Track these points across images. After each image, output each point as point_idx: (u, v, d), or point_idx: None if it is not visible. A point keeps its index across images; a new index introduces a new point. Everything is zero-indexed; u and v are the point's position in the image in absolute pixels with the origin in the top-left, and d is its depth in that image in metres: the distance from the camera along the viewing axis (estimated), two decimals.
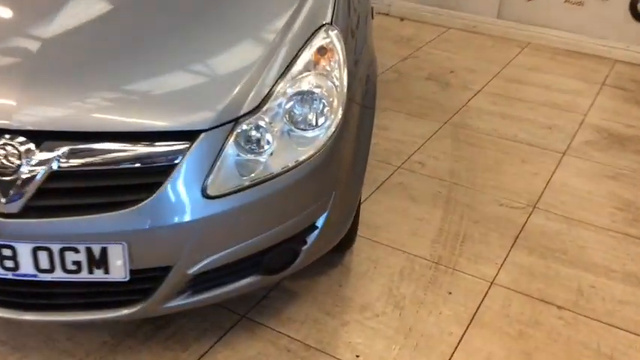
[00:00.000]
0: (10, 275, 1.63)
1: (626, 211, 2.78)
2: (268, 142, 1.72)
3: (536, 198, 2.85)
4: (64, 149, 1.57)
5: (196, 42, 1.83)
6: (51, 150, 1.57)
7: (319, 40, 1.88)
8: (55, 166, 1.56)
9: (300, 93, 1.78)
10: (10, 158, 1.56)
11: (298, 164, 1.74)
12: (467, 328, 2.11)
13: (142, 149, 1.60)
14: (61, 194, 1.59)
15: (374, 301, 2.20)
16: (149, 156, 1.60)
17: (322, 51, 1.86)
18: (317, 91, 1.79)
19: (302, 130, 1.77)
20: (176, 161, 1.60)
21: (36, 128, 1.58)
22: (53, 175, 1.56)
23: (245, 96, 1.69)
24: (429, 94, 3.83)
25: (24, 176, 1.56)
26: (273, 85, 1.74)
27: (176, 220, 1.61)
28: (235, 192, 1.67)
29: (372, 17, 2.51)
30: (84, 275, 1.64)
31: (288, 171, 1.73)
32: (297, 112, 1.77)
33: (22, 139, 1.57)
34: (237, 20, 1.93)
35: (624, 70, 4.38)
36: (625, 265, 2.45)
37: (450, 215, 2.69)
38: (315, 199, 1.84)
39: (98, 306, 1.72)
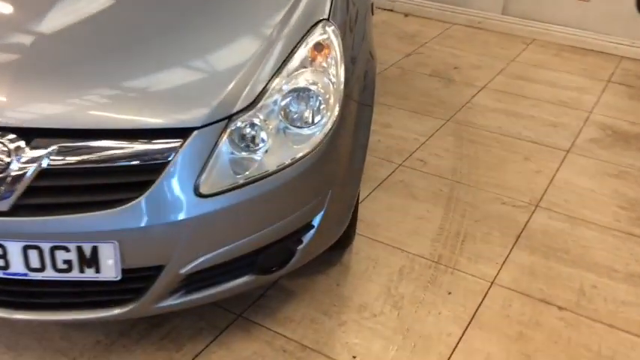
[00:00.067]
0: (0, 274, 1.61)
1: (630, 210, 2.74)
2: (263, 140, 1.69)
3: (539, 196, 2.81)
4: (55, 147, 1.54)
5: (189, 38, 1.80)
6: (41, 147, 1.54)
7: (316, 36, 1.84)
8: (45, 163, 1.53)
9: (296, 90, 1.75)
10: None
11: (294, 162, 1.71)
12: (466, 329, 2.08)
13: (133, 147, 1.57)
14: (52, 192, 1.56)
15: (372, 301, 2.17)
16: (140, 154, 1.57)
17: (319, 47, 1.83)
18: (313, 88, 1.76)
19: (298, 127, 1.74)
20: (168, 159, 1.57)
21: (26, 125, 1.56)
22: (43, 173, 1.54)
23: (239, 93, 1.66)
24: (432, 91, 3.80)
25: (14, 174, 1.53)
26: (268, 82, 1.71)
27: (168, 219, 1.58)
28: (229, 190, 1.64)
29: (373, 13, 2.47)
30: (75, 274, 1.62)
31: (283, 169, 1.70)
32: (292, 110, 1.74)
33: (12, 136, 1.55)
34: (232, 16, 1.90)
35: (630, 66, 4.33)
36: (628, 265, 2.41)
37: (451, 214, 2.66)
38: (311, 198, 1.81)
39: (90, 305, 1.70)
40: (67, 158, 1.55)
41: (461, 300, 2.20)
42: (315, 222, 1.85)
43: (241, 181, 1.65)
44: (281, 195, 1.72)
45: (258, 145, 1.69)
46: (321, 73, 1.80)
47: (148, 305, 1.70)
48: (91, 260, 1.60)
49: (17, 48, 1.72)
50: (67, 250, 1.58)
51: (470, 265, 2.37)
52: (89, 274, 1.62)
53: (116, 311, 1.69)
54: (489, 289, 2.26)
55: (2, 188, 1.53)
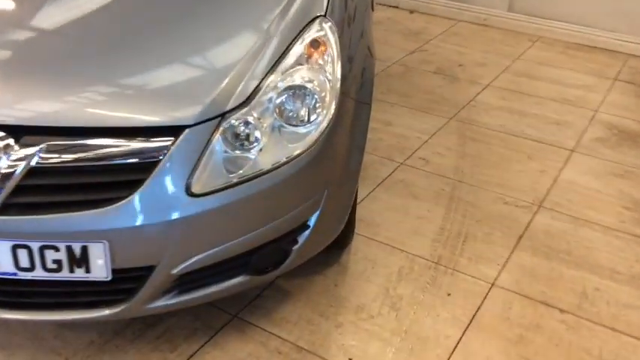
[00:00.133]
0: None
1: (635, 211, 2.70)
2: (257, 138, 1.66)
3: (543, 196, 2.77)
4: (44, 145, 1.52)
5: (182, 34, 1.77)
6: (30, 145, 1.52)
7: (312, 33, 1.81)
8: (34, 162, 1.51)
9: (292, 87, 1.72)
10: None
11: (289, 161, 1.68)
12: (465, 332, 2.04)
13: (123, 145, 1.54)
14: (41, 191, 1.54)
15: (370, 302, 2.14)
16: (131, 152, 1.54)
17: (315, 44, 1.80)
18: (309, 85, 1.73)
19: (293, 125, 1.71)
20: (159, 158, 1.55)
21: (15, 123, 1.53)
22: (32, 171, 1.52)
23: (232, 90, 1.63)
24: (435, 89, 3.76)
25: (2, 172, 1.51)
26: (262, 79, 1.68)
27: (158, 218, 1.55)
28: (222, 190, 1.61)
29: (373, 9, 2.44)
30: (65, 274, 1.59)
31: (278, 168, 1.67)
32: (288, 108, 1.71)
33: (1, 134, 1.52)
34: (227, 11, 1.87)
35: (637, 64, 4.27)
36: (632, 268, 2.37)
37: (453, 214, 2.62)
38: (306, 197, 1.78)
39: (80, 305, 1.68)
40: (57, 156, 1.52)
41: (460, 302, 2.16)
42: (311, 222, 1.82)
43: (235, 180, 1.62)
44: (275, 194, 1.69)
45: (252, 143, 1.66)
46: (318, 71, 1.77)
47: (139, 306, 1.68)
48: (80, 260, 1.57)
49: (6, 45, 1.69)
50: (56, 249, 1.56)
51: (470, 266, 2.33)
52: (79, 274, 1.59)
53: (107, 312, 1.66)
54: (489, 290, 2.22)
55: None
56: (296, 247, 1.82)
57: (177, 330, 2.00)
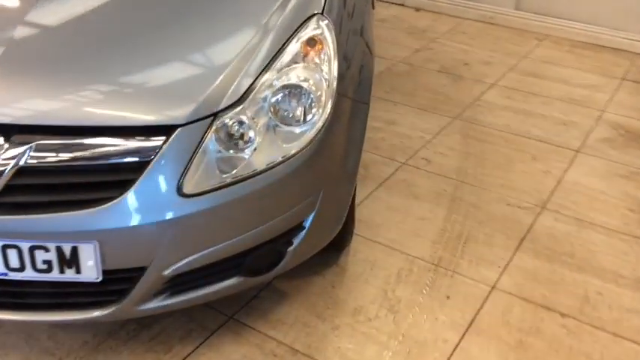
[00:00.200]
0: None
1: (639, 213, 2.65)
2: (251, 138, 1.63)
3: (546, 198, 2.73)
4: (33, 144, 1.50)
5: (176, 31, 1.75)
6: (20, 144, 1.49)
7: (309, 31, 1.78)
8: (23, 161, 1.49)
9: (287, 86, 1.69)
10: None
11: (284, 161, 1.65)
12: (463, 335, 2.01)
13: (113, 145, 1.52)
14: (30, 190, 1.52)
15: (367, 304, 2.11)
16: (121, 152, 1.52)
17: (312, 42, 1.77)
18: (305, 85, 1.70)
19: (288, 125, 1.68)
20: (150, 158, 1.52)
21: (4, 122, 1.51)
22: (22, 171, 1.49)
23: (225, 89, 1.61)
24: (440, 88, 3.72)
25: None
26: (256, 78, 1.65)
27: (149, 219, 1.53)
28: (214, 190, 1.58)
29: (373, 7, 2.40)
30: (55, 275, 1.57)
31: (272, 168, 1.64)
32: (283, 107, 1.68)
33: None
34: (222, 8, 1.84)
35: None
36: (635, 271, 2.32)
37: (454, 215, 2.59)
38: (301, 198, 1.75)
39: (72, 306, 1.66)
40: (46, 155, 1.50)
41: (460, 305, 2.13)
42: (306, 223, 1.79)
43: (228, 181, 1.60)
44: (270, 195, 1.67)
45: (246, 143, 1.63)
46: (314, 70, 1.74)
47: (131, 307, 1.65)
48: (70, 261, 1.55)
49: None
50: (46, 250, 1.54)
51: (471, 268, 2.30)
52: (69, 274, 1.57)
53: (98, 313, 1.64)
54: (490, 293, 2.19)
55: None
56: (291, 248, 1.79)
57: (172, 331, 1.98)
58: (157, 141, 1.53)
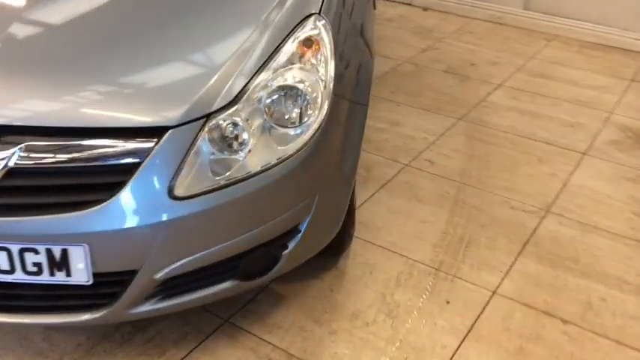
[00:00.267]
0: None
1: None
2: (245, 140, 1.60)
3: (551, 201, 2.68)
4: (23, 145, 1.48)
5: (170, 31, 1.72)
6: (9, 146, 1.48)
7: (306, 31, 1.75)
8: (12, 162, 1.47)
9: (283, 88, 1.66)
10: None
11: (278, 163, 1.62)
12: (462, 342, 1.97)
13: (104, 146, 1.50)
14: (19, 192, 1.50)
15: (366, 309, 2.08)
16: (112, 154, 1.50)
17: (308, 43, 1.74)
18: (300, 86, 1.67)
19: (283, 127, 1.66)
20: (141, 160, 1.50)
21: None
22: (11, 172, 1.48)
23: (218, 90, 1.58)
24: (445, 88, 3.68)
25: None
26: (251, 79, 1.62)
27: (140, 222, 1.51)
28: (207, 192, 1.56)
29: (375, 7, 2.37)
30: (45, 277, 1.55)
31: (266, 170, 1.61)
32: (278, 108, 1.65)
33: None
34: (218, 8, 1.81)
35: None
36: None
37: (457, 218, 2.55)
38: (297, 201, 1.72)
39: (63, 309, 1.64)
40: (36, 157, 1.48)
41: (459, 310, 2.09)
42: (302, 226, 1.76)
43: (221, 183, 1.57)
44: (264, 197, 1.64)
45: (240, 144, 1.61)
46: (310, 71, 1.71)
47: (122, 311, 1.63)
48: (61, 263, 1.53)
49: None
50: (36, 252, 1.52)
51: (472, 273, 2.26)
52: (60, 277, 1.55)
53: (88, 316, 1.62)
54: (490, 299, 2.15)
55: None
56: (286, 252, 1.76)
57: (166, 334, 1.96)
58: (148, 142, 1.50)
